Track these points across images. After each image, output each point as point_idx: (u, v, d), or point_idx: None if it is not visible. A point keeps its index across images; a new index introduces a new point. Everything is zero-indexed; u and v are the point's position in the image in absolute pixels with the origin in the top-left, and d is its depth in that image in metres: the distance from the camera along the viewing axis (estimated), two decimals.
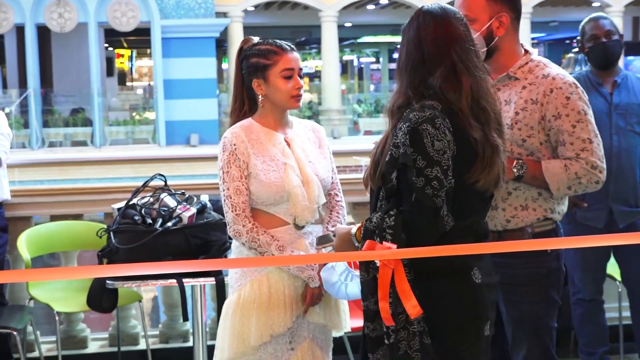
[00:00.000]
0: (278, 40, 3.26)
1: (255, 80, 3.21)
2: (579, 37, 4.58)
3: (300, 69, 3.26)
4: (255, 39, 3.29)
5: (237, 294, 3.20)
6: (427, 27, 2.70)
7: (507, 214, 3.20)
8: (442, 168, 2.56)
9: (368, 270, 2.64)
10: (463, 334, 2.67)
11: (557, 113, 3.16)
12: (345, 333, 3.51)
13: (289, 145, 3.24)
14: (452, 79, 2.65)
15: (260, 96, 3.22)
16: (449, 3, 2.93)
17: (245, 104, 3.29)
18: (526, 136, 3.18)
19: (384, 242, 2.60)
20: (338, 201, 3.37)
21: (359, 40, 31.88)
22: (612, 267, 4.78)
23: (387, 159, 2.62)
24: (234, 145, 3.16)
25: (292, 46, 3.26)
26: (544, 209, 3.21)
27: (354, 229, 2.76)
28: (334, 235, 2.88)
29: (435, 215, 2.58)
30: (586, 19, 4.56)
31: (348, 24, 26.37)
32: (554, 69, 3.26)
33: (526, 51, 3.31)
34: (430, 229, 2.59)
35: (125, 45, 30.26)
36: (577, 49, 4.73)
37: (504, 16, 3.21)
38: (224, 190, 3.17)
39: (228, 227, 3.19)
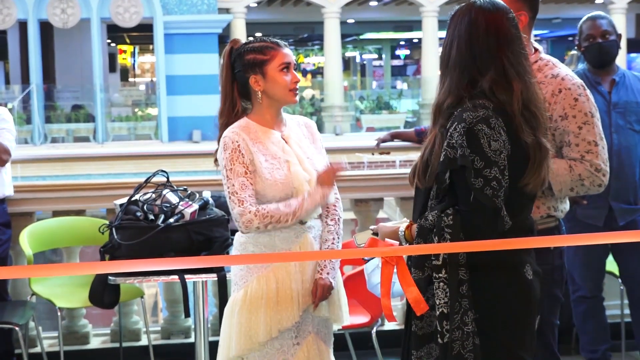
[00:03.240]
0: (270, 38, 3.29)
1: (253, 77, 3.21)
2: (577, 36, 4.58)
3: (295, 64, 3.29)
4: (243, 40, 3.32)
5: (243, 291, 3.20)
6: (479, 26, 2.66)
7: None
8: (499, 168, 2.56)
9: (423, 269, 2.64)
10: (518, 330, 2.69)
11: (564, 114, 3.15)
12: (346, 329, 3.52)
13: (286, 142, 3.25)
14: (503, 83, 2.64)
15: (258, 92, 3.22)
16: None
17: (237, 105, 3.29)
18: None
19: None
20: (334, 194, 3.38)
21: (361, 37, 31.86)
22: (611, 264, 4.78)
23: (441, 160, 2.60)
24: (237, 142, 3.16)
25: (285, 42, 3.29)
26: (547, 206, 3.21)
27: (402, 227, 2.74)
28: (374, 234, 2.84)
29: (495, 216, 2.59)
30: (584, 18, 4.56)
31: (351, 21, 26.35)
32: (562, 69, 3.25)
33: (536, 49, 3.30)
34: (490, 229, 2.60)
35: (127, 41, 30.24)
36: (576, 47, 4.73)
37: (523, 15, 3.20)
38: (228, 188, 3.16)
39: (237, 223, 3.16)
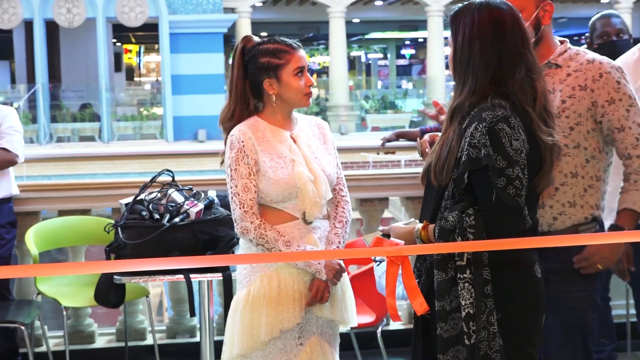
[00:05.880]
0: (284, 39, 3.26)
1: (267, 80, 3.20)
2: (587, 33, 4.55)
3: (308, 65, 3.28)
4: (256, 38, 3.30)
5: (246, 290, 3.21)
6: (504, 24, 2.65)
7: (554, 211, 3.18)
8: (520, 167, 2.57)
9: (446, 270, 2.63)
10: (527, 328, 2.69)
11: (611, 98, 3.11)
12: (351, 329, 3.51)
13: (294, 141, 3.25)
14: (529, 81, 2.65)
15: (272, 96, 3.22)
16: None
17: (250, 104, 3.28)
18: (574, 124, 3.13)
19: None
20: (343, 196, 3.37)
21: (366, 36, 31.85)
22: None
23: (463, 160, 2.59)
24: (242, 142, 3.17)
25: (299, 43, 3.27)
26: (590, 205, 3.18)
27: (417, 227, 2.72)
28: (384, 235, 2.83)
29: (517, 215, 2.59)
30: (598, 15, 4.53)
31: (356, 20, 26.33)
32: (596, 55, 3.22)
33: (562, 41, 3.27)
34: (513, 229, 2.59)
35: (133, 40, 30.27)
36: (585, 45, 4.71)
37: (549, 4, 3.17)
38: (231, 188, 3.18)
39: (235, 224, 3.19)
